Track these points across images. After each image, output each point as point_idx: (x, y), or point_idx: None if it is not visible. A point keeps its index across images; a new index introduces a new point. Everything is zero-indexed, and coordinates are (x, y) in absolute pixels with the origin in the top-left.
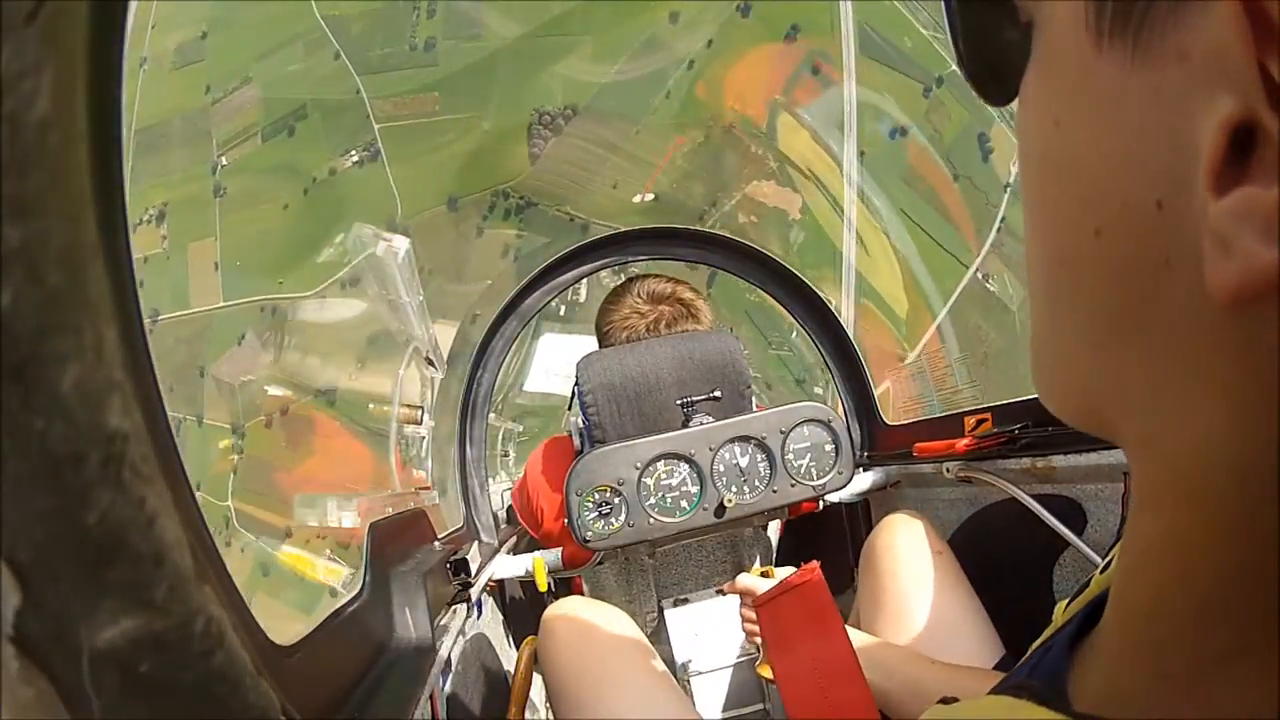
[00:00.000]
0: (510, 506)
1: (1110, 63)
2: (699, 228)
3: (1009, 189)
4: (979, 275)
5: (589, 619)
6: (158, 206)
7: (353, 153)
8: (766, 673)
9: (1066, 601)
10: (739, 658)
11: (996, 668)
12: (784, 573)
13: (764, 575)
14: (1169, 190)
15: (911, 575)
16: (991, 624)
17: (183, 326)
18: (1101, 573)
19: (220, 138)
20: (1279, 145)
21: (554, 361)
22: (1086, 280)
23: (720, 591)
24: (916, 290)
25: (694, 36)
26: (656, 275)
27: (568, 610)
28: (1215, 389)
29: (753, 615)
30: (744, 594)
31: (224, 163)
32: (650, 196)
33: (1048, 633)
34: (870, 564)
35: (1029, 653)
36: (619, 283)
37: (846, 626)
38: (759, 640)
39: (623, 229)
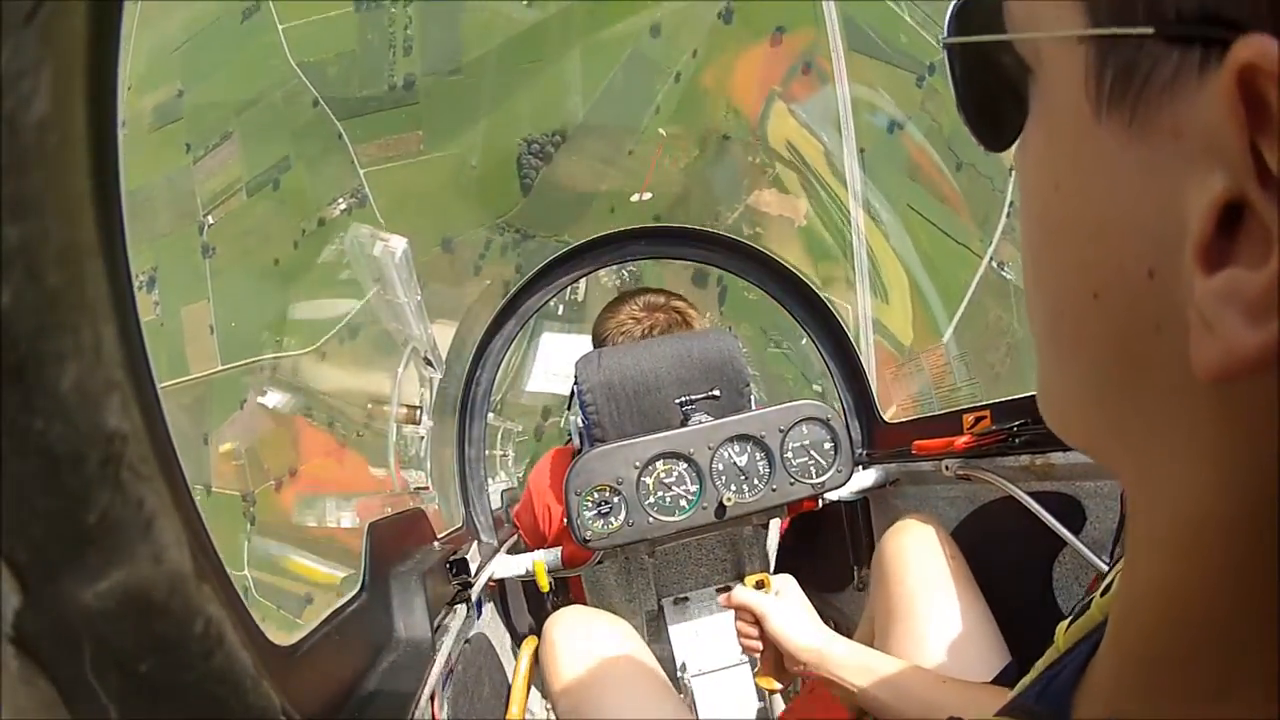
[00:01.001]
0: (509, 507)
1: (1109, 132)
2: (700, 227)
3: (1014, 171)
4: (994, 264)
5: (589, 631)
6: (147, 272)
7: (340, 200)
8: (765, 684)
9: (1067, 622)
10: (739, 657)
11: (1000, 677)
12: (779, 582)
13: (759, 586)
14: (1161, 260)
15: (923, 583)
16: (1000, 634)
17: (182, 394)
18: (1102, 595)
19: (204, 196)
20: (1270, 225)
21: (553, 361)
22: (1086, 337)
23: (723, 589)
24: (923, 304)
25: (678, 47)
26: (655, 290)
27: (567, 622)
28: (1205, 449)
29: (751, 631)
30: (740, 609)
31: (210, 222)
32: (648, 196)
33: (1051, 655)
34: (882, 569)
35: (1035, 674)
36: (616, 296)
37: (858, 644)
38: (758, 652)
39: (623, 228)
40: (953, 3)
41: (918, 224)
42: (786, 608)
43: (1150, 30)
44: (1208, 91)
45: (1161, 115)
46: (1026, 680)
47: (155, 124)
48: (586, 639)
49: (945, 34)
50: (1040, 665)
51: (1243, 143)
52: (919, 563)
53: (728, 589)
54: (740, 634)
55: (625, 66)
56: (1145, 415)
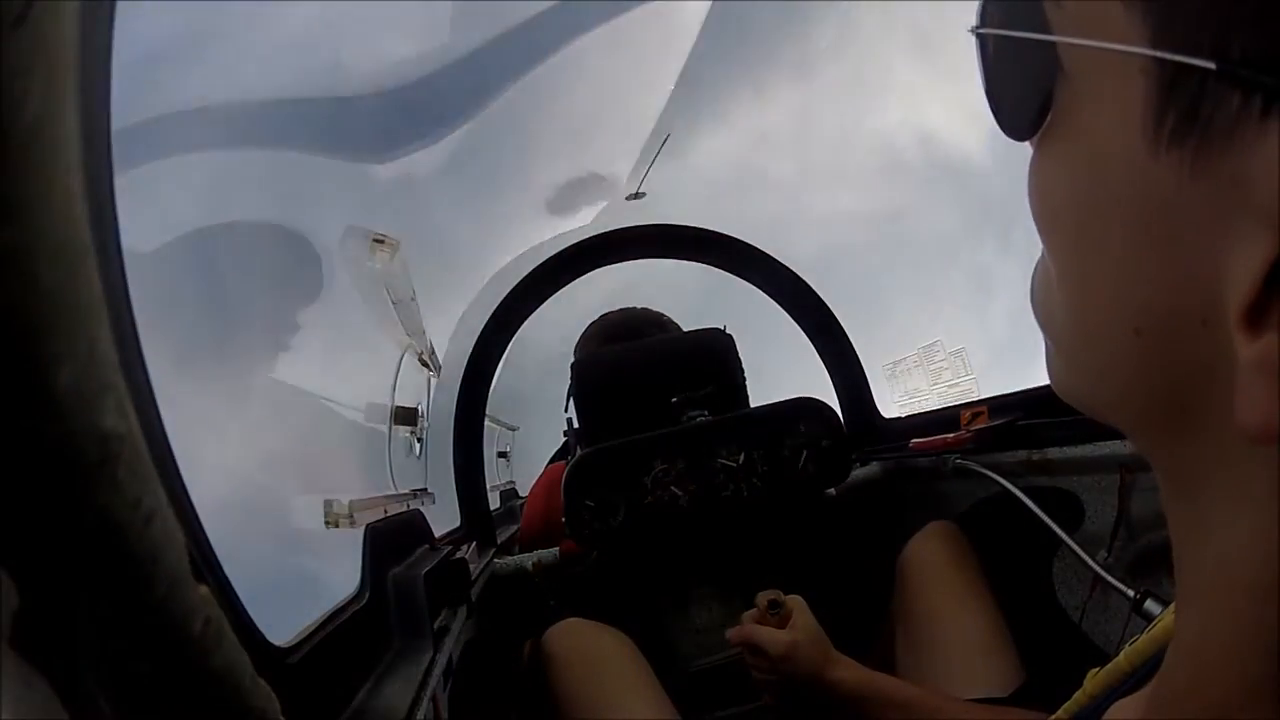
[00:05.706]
0: (511, 507)
1: (1165, 171)
2: (697, 226)
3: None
4: None
5: (588, 644)
6: None
7: None
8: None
9: (1096, 670)
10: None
11: (1017, 693)
12: (791, 605)
13: (772, 603)
14: (1213, 311)
15: (948, 597)
16: (1015, 646)
17: None
18: (1130, 645)
19: None
20: None
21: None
22: (1123, 369)
23: (722, 586)
24: None
25: None
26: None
27: (565, 635)
28: (1252, 501)
29: (762, 665)
30: (747, 646)
31: None
32: (644, 194)
33: (1079, 699)
34: (904, 578)
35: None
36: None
37: (875, 676)
38: (772, 684)
39: (619, 227)
40: None
41: None
42: (796, 644)
43: (1212, 66)
44: (1267, 144)
45: (1223, 161)
46: None
47: None
48: (586, 653)
49: (978, 19)
50: (1067, 710)
51: None
52: (942, 576)
53: (727, 586)
54: (752, 667)
55: None
56: (1188, 457)
